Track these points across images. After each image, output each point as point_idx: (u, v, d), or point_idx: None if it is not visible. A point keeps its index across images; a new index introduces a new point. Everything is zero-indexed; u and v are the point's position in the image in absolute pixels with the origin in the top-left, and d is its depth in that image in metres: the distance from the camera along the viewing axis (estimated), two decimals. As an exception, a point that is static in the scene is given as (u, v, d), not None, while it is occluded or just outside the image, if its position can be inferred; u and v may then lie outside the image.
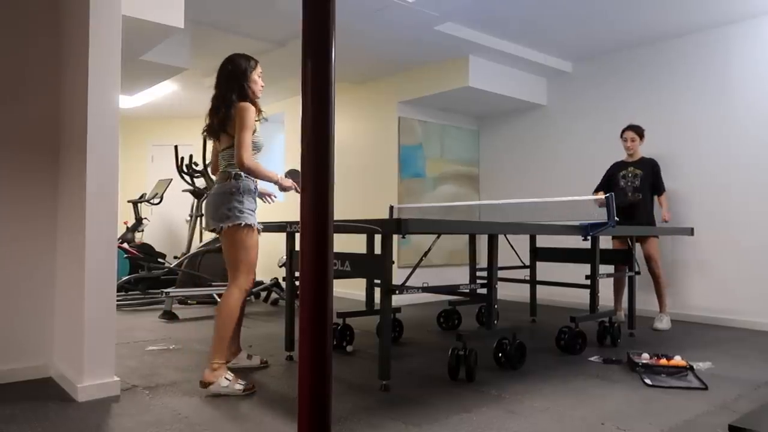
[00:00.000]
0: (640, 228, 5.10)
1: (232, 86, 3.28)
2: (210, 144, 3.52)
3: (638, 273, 5.04)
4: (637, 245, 5.29)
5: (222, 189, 3.24)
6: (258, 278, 7.06)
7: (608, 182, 5.71)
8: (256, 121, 3.29)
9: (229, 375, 3.11)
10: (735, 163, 5.55)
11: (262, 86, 3.45)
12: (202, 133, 3.42)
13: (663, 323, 5.31)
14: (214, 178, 3.49)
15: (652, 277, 5.40)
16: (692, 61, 5.91)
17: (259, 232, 3.35)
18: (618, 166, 5.71)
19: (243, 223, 3.20)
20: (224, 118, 3.24)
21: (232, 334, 3.26)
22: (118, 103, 3.15)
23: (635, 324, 4.99)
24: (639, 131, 5.60)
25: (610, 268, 5.56)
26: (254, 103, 3.31)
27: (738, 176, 5.52)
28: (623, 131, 5.66)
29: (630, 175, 5.56)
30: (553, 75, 7.08)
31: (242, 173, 3.24)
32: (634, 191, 5.46)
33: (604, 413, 2.83)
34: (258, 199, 3.45)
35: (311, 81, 0.72)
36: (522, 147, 7.51)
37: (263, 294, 6.99)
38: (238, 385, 3.07)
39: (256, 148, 3.33)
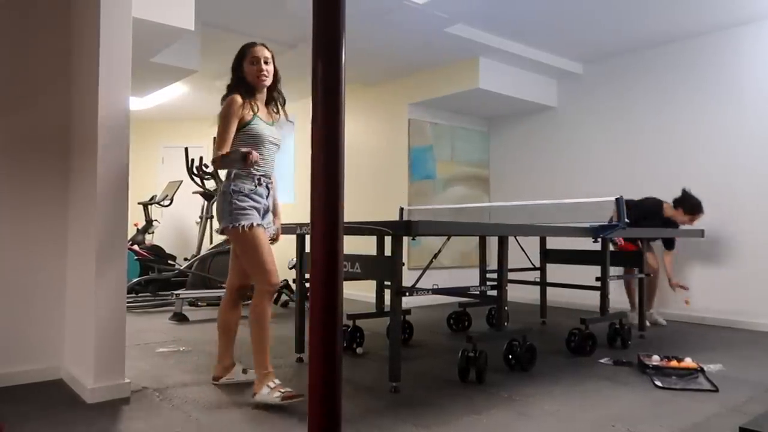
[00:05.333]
0: (650, 230, 5.07)
1: (229, 83, 3.20)
2: None
3: (649, 275, 5.02)
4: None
5: (221, 188, 3.14)
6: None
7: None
8: (253, 113, 3.10)
9: (272, 383, 2.94)
10: (745, 163, 5.51)
11: (263, 71, 3.14)
12: None
13: (661, 319, 5.61)
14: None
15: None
16: (702, 63, 5.87)
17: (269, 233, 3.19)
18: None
19: (238, 224, 3.01)
20: None
21: (267, 341, 3.04)
22: (129, 104, 3.17)
23: (645, 326, 4.97)
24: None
25: (619, 270, 5.55)
26: (248, 91, 3.13)
27: (748, 178, 5.48)
28: (700, 213, 5.40)
29: None
30: (563, 76, 7.05)
31: (238, 173, 3.08)
32: None
33: (615, 415, 2.81)
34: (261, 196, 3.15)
35: (322, 83, 0.72)
36: (532, 149, 7.48)
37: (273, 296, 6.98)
38: (277, 394, 2.87)
39: (253, 139, 3.10)
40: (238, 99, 3.07)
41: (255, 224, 3.04)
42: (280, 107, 3.37)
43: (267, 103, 3.30)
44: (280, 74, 3.27)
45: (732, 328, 5.42)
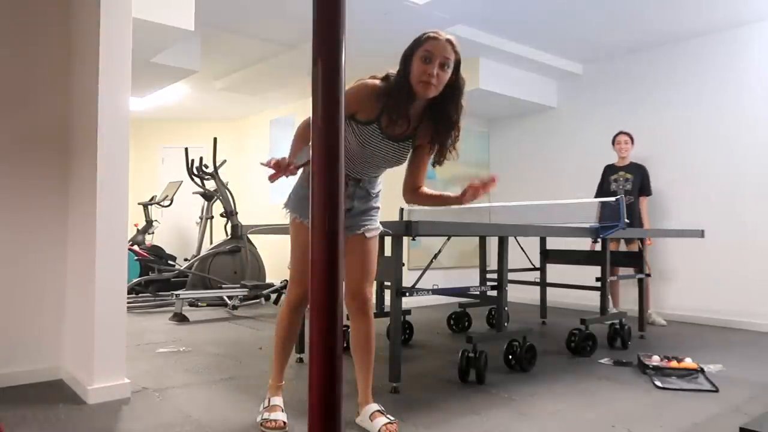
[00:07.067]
0: (651, 230, 5.08)
1: (396, 71, 2.41)
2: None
3: (648, 275, 5.02)
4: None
5: None
6: (268, 280, 7.08)
7: (602, 186, 5.94)
8: (373, 116, 2.39)
9: (267, 401, 2.66)
10: (747, 164, 5.51)
11: (432, 75, 2.28)
12: None
13: (661, 319, 5.66)
14: None
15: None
16: (702, 63, 5.87)
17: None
18: (609, 170, 5.95)
19: (287, 211, 2.63)
20: None
21: (280, 354, 2.75)
22: (129, 105, 3.16)
23: (645, 326, 4.97)
24: (631, 136, 5.84)
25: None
26: (400, 92, 2.35)
27: (749, 177, 5.48)
28: (618, 136, 5.87)
29: (621, 179, 5.81)
30: (563, 77, 7.05)
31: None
32: (625, 194, 5.58)
33: (615, 416, 2.81)
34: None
35: (321, 83, 0.72)
36: (532, 149, 7.49)
37: (273, 296, 6.99)
38: (260, 416, 2.60)
39: (351, 143, 2.44)
40: (366, 89, 2.41)
41: (294, 218, 2.59)
42: (444, 141, 2.51)
43: (420, 116, 2.48)
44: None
45: (732, 328, 5.42)
